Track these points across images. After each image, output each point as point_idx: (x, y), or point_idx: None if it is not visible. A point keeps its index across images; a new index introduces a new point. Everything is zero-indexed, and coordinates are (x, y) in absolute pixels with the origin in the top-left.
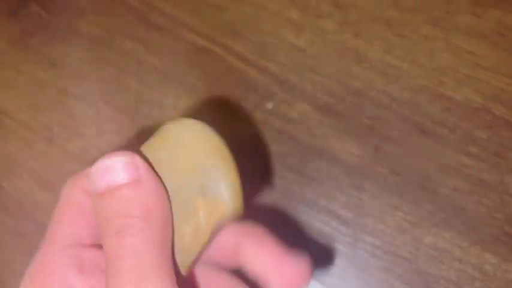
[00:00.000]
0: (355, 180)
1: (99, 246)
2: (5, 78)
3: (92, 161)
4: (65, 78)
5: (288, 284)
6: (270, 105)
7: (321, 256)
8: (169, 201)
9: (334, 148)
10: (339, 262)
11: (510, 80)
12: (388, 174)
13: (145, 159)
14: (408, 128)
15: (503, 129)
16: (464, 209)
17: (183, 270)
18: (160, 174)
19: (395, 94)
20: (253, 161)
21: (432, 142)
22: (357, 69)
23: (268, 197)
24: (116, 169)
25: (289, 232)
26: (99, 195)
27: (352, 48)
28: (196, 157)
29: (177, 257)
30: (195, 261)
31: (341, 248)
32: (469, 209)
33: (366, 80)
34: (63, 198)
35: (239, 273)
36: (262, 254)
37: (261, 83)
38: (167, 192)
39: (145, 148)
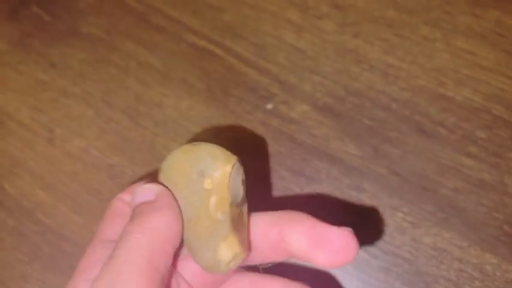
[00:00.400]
0: (355, 181)
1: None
2: (5, 79)
3: (93, 162)
4: (66, 79)
5: (333, 257)
6: (269, 106)
7: None
8: (181, 225)
9: (334, 148)
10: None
11: (510, 80)
12: (388, 175)
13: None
14: (408, 128)
15: (503, 129)
16: (464, 209)
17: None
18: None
19: (395, 94)
20: (253, 162)
21: (432, 142)
22: (356, 69)
23: (268, 197)
24: (140, 192)
25: None
26: (134, 206)
27: (352, 49)
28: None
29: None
30: (246, 237)
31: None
32: (468, 209)
33: (365, 81)
34: (109, 207)
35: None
36: (303, 232)
37: (260, 84)
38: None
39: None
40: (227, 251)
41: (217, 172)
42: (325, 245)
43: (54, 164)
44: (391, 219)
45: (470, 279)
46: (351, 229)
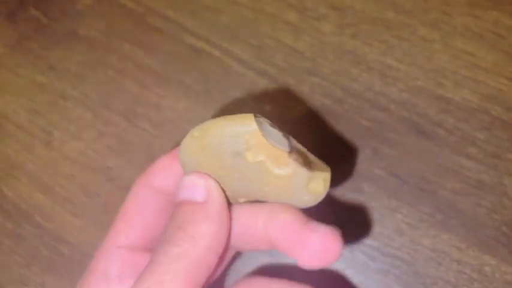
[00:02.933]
0: (353, 182)
1: (147, 250)
2: (3, 82)
3: (91, 164)
4: (64, 82)
5: (312, 258)
6: (267, 108)
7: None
8: (229, 225)
9: (332, 150)
10: (337, 264)
11: (508, 80)
12: (386, 176)
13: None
14: (407, 129)
15: (501, 130)
16: (463, 211)
17: None
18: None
19: (394, 96)
20: None
21: (430, 144)
22: (354, 71)
23: None
24: (190, 187)
25: None
26: (177, 203)
27: (350, 50)
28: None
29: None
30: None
31: None
32: (467, 211)
33: (364, 82)
34: (130, 195)
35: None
36: (283, 230)
37: (259, 85)
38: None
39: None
40: (318, 185)
41: (250, 141)
42: (305, 245)
43: (52, 166)
44: (390, 221)
45: (469, 280)
46: (334, 229)
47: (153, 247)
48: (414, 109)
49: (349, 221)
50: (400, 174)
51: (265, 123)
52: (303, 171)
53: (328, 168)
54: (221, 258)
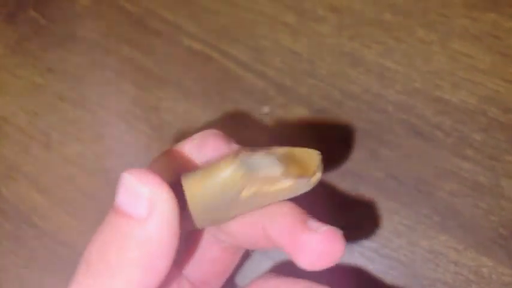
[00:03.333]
0: (351, 184)
1: None
2: (2, 83)
3: (89, 166)
4: (62, 83)
5: (312, 261)
6: (266, 109)
7: None
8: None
9: (330, 152)
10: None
11: (505, 82)
12: (384, 178)
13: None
14: (404, 131)
15: (498, 132)
16: (460, 212)
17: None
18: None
19: (391, 97)
20: None
21: (428, 145)
22: (352, 72)
23: None
24: (136, 198)
25: None
26: (115, 206)
27: (348, 52)
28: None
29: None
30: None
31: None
32: (465, 212)
33: (362, 84)
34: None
35: None
36: (283, 233)
37: (257, 87)
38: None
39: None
40: (314, 177)
41: (239, 183)
42: (304, 248)
43: (51, 168)
44: (388, 222)
45: (466, 282)
46: (336, 230)
47: None
48: (412, 111)
49: (346, 222)
50: (398, 175)
51: (246, 155)
52: (300, 181)
53: (316, 153)
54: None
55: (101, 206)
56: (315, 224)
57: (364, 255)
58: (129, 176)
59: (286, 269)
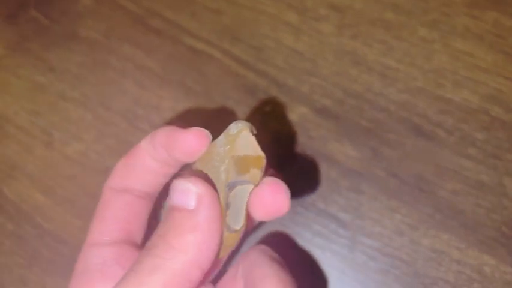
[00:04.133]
0: (353, 183)
1: (121, 242)
2: (3, 83)
3: (91, 165)
4: (64, 83)
5: (264, 211)
6: (267, 108)
7: (319, 258)
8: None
9: (332, 151)
10: (337, 264)
11: (507, 81)
12: (386, 177)
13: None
14: (406, 130)
15: (501, 130)
16: (462, 211)
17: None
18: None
19: (393, 96)
20: None
21: (430, 144)
22: (354, 71)
23: None
24: (181, 193)
25: (287, 234)
26: (170, 207)
27: (350, 51)
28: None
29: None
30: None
31: (339, 250)
32: (467, 211)
33: (363, 83)
34: (100, 199)
35: None
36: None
37: (259, 86)
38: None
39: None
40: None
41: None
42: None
43: (53, 167)
44: (390, 221)
45: (468, 280)
46: (283, 185)
47: (130, 239)
48: (414, 110)
49: (349, 221)
50: (400, 174)
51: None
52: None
53: (260, 155)
54: (210, 269)
55: None
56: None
57: (366, 254)
58: (180, 180)
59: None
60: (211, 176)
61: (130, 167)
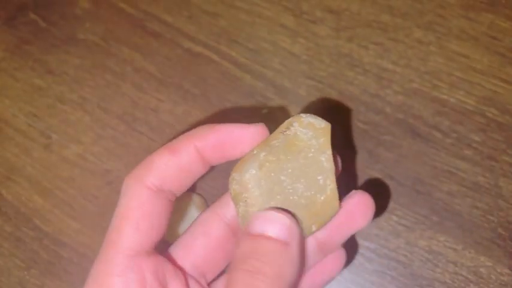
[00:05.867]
0: (350, 185)
1: (157, 252)
2: (2, 86)
3: (89, 167)
4: (62, 85)
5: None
6: (265, 110)
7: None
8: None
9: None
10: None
11: (503, 82)
12: (383, 179)
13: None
14: (402, 131)
15: (497, 132)
16: (459, 213)
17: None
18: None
19: (389, 98)
20: None
21: (426, 146)
22: (350, 73)
23: None
24: (276, 224)
25: None
26: (251, 235)
27: (346, 53)
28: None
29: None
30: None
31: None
32: (463, 213)
33: (360, 85)
34: (126, 198)
35: None
36: None
37: (256, 89)
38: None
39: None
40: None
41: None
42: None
43: (51, 169)
44: (386, 223)
45: (465, 282)
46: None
47: (155, 250)
48: (410, 111)
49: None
50: (396, 176)
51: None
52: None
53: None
54: None
55: (101, 207)
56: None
57: (363, 256)
58: (271, 211)
59: None
60: (307, 168)
61: (173, 165)
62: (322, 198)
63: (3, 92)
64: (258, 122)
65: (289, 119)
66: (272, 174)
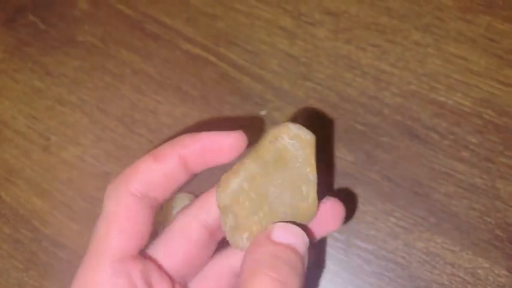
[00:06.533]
0: (348, 186)
1: (143, 255)
2: (1, 87)
3: (88, 169)
4: (61, 87)
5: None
6: (263, 112)
7: (314, 261)
8: None
9: (327, 154)
10: (332, 267)
11: (500, 84)
12: (380, 180)
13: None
14: (400, 133)
15: (494, 133)
16: (456, 214)
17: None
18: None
19: (387, 100)
20: None
21: (424, 147)
22: (349, 75)
23: None
24: (300, 240)
25: None
26: (275, 242)
27: (344, 55)
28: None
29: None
30: None
31: (334, 253)
32: (461, 214)
33: (358, 86)
34: (110, 204)
35: None
36: None
37: (254, 90)
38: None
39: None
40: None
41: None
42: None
43: (50, 171)
44: (384, 225)
45: (462, 283)
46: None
47: (141, 254)
48: (407, 113)
49: (343, 224)
50: (394, 178)
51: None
52: None
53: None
54: None
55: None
56: None
57: (361, 257)
58: (290, 225)
59: None
60: (293, 178)
61: (158, 172)
62: (303, 205)
63: (3, 94)
64: (256, 124)
65: (277, 129)
66: (261, 185)
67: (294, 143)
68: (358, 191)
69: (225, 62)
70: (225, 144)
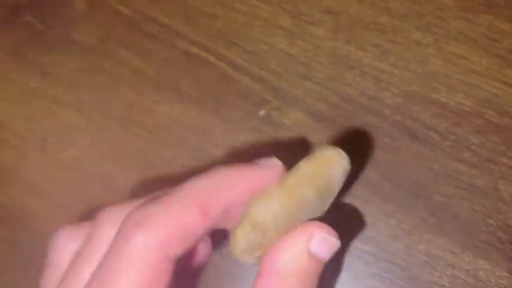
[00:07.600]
0: (348, 187)
1: None
2: None
3: (86, 170)
4: (58, 88)
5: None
6: (262, 113)
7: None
8: None
9: None
10: (331, 269)
11: (502, 84)
12: (381, 181)
13: None
14: (401, 134)
15: (495, 134)
16: (457, 215)
17: None
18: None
19: (388, 100)
20: None
21: (424, 148)
22: (349, 75)
23: None
24: (330, 250)
25: None
26: (310, 253)
27: (344, 55)
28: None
29: None
30: None
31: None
32: (461, 215)
33: (358, 87)
34: (129, 254)
35: None
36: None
37: (253, 91)
38: None
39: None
40: None
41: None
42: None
43: (47, 172)
44: (384, 226)
45: (463, 285)
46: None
47: None
48: (408, 113)
49: (343, 226)
50: (395, 178)
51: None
52: None
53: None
54: None
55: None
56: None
57: (361, 259)
58: (330, 230)
59: None
60: (323, 195)
61: (202, 230)
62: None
63: None
64: (255, 124)
65: (319, 152)
66: (293, 207)
67: (344, 173)
68: (358, 191)
69: (224, 62)
70: (266, 180)
